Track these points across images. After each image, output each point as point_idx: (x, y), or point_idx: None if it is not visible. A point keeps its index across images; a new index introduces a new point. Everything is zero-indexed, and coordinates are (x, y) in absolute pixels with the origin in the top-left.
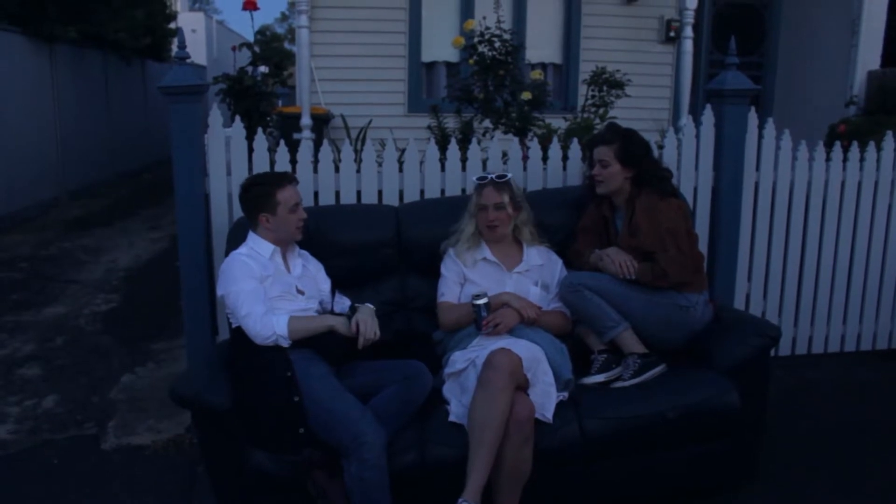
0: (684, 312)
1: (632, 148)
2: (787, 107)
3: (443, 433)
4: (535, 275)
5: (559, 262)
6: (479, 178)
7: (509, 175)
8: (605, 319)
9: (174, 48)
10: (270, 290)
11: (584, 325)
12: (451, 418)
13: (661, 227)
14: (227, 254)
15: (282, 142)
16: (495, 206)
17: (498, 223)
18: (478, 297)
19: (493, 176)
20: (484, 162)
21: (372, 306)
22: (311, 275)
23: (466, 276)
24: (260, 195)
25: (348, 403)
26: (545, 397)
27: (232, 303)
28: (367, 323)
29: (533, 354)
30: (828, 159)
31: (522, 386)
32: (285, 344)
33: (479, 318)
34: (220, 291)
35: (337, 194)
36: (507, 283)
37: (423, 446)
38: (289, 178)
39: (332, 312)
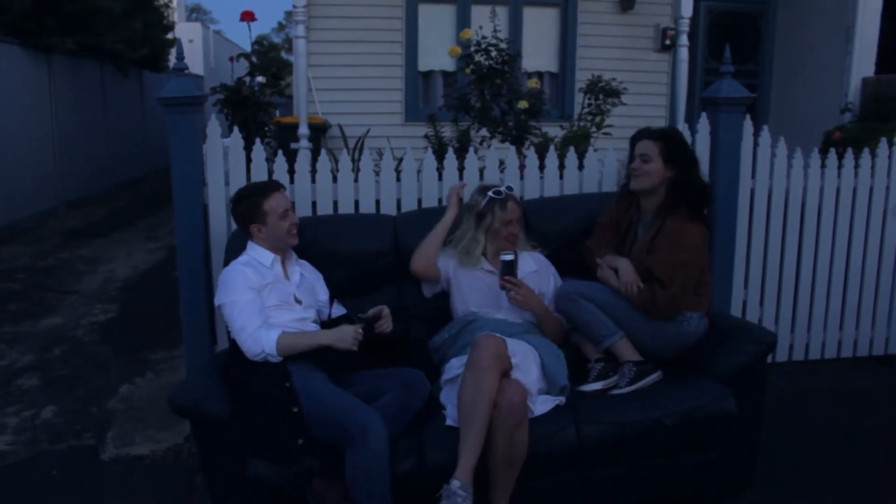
0: (678, 324)
1: (677, 148)
2: (782, 114)
3: (441, 439)
4: (530, 282)
5: (552, 267)
6: (495, 193)
7: (513, 186)
8: (601, 328)
9: (172, 59)
10: (268, 299)
11: (580, 333)
12: (448, 422)
13: (678, 259)
14: (225, 263)
15: (279, 152)
16: (518, 219)
17: (518, 234)
18: (507, 253)
19: (506, 189)
20: (481, 171)
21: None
22: (309, 284)
23: (461, 278)
24: (248, 207)
25: (353, 399)
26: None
27: (228, 314)
28: (385, 314)
29: (520, 347)
30: (823, 166)
31: (507, 369)
32: (274, 360)
33: (501, 273)
34: (217, 301)
35: (335, 204)
36: (503, 292)
37: (422, 452)
38: (274, 186)
39: (329, 318)
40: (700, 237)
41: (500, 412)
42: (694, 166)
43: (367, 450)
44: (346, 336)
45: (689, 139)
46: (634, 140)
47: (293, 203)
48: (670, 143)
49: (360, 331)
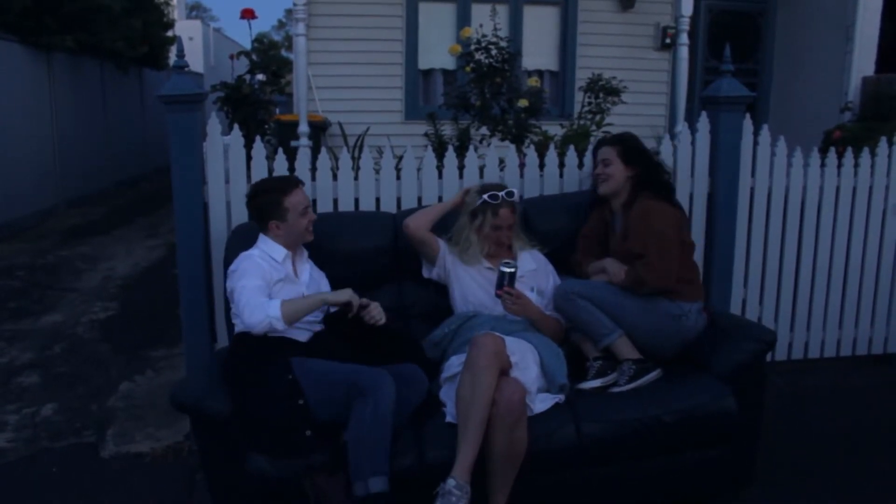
0: (676, 321)
1: (633, 149)
2: (782, 113)
3: (440, 435)
4: (530, 280)
5: (550, 266)
6: (490, 197)
7: (515, 191)
8: (599, 327)
9: (172, 56)
10: (278, 296)
11: (580, 332)
12: (448, 419)
13: (650, 230)
14: (225, 261)
15: (280, 149)
16: (508, 226)
17: (507, 241)
18: (507, 264)
19: (504, 194)
20: (481, 169)
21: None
22: (315, 283)
23: (461, 274)
24: (268, 203)
25: (361, 366)
26: (528, 388)
27: (237, 297)
28: (376, 306)
29: (518, 345)
30: (822, 165)
31: (506, 368)
32: (279, 326)
33: (499, 282)
34: (229, 286)
35: (335, 202)
36: None
37: (422, 449)
38: (294, 182)
39: (328, 312)
40: (667, 212)
41: (498, 410)
42: (651, 163)
43: (376, 402)
44: (346, 291)
45: (689, 138)
46: (595, 150)
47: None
48: (627, 146)
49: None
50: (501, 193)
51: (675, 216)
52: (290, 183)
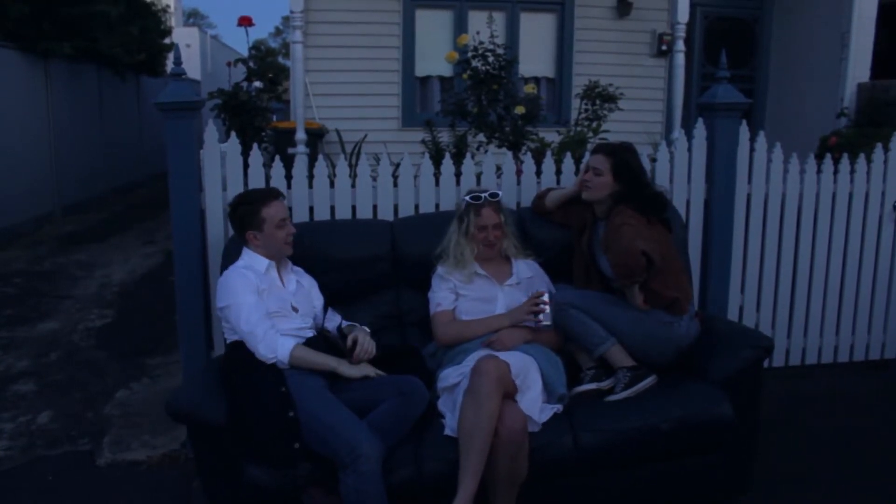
0: (668, 327)
1: (626, 164)
2: (778, 119)
3: (439, 448)
4: (526, 287)
5: (545, 276)
6: (472, 198)
7: (500, 192)
8: (593, 336)
9: (169, 63)
10: (268, 304)
11: (574, 343)
12: (447, 432)
13: (615, 225)
14: (222, 268)
15: (277, 157)
16: (494, 225)
17: (496, 241)
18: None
19: (487, 195)
20: (478, 176)
21: (367, 329)
22: (305, 291)
23: (459, 291)
24: (246, 214)
25: (343, 416)
26: (532, 406)
27: (234, 316)
28: (364, 342)
29: (523, 363)
30: (819, 171)
31: (511, 392)
32: (282, 367)
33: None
34: (220, 304)
35: (332, 209)
36: (499, 296)
37: (420, 461)
38: (273, 194)
39: (322, 328)
40: (646, 223)
41: (500, 440)
42: (641, 182)
43: (357, 473)
44: (359, 370)
45: (685, 145)
46: (591, 154)
47: (290, 210)
48: (620, 160)
49: (373, 375)
50: (484, 194)
51: (650, 231)
52: (269, 194)
